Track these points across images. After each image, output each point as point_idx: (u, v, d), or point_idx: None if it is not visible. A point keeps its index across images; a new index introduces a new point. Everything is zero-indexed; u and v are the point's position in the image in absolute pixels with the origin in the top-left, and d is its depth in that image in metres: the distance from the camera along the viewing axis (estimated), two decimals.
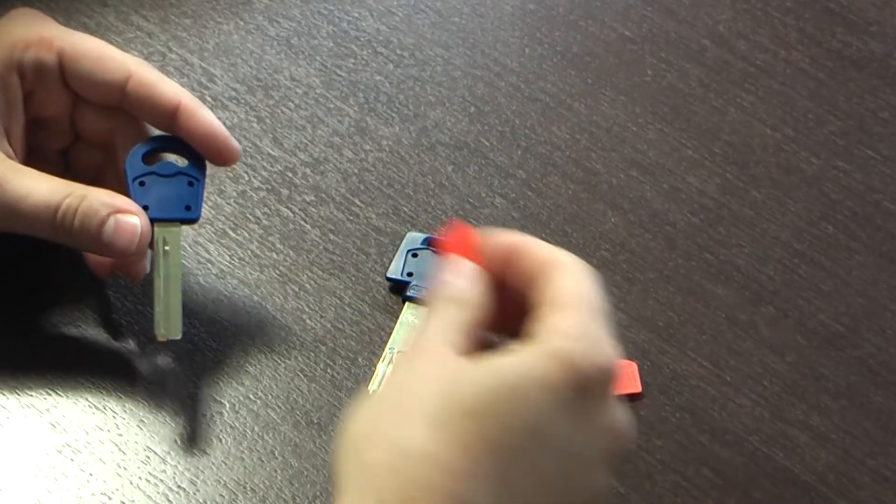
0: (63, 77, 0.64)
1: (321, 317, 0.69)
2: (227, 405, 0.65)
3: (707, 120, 0.80)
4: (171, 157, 0.66)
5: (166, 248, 0.63)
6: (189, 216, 0.64)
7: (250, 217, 0.73)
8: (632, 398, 0.67)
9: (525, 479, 0.48)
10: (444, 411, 0.48)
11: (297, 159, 0.76)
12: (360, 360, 0.68)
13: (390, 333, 0.68)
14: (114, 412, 0.65)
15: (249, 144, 0.76)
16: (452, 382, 0.49)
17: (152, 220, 0.63)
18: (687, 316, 0.71)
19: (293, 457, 0.64)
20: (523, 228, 0.73)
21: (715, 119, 0.80)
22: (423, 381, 0.50)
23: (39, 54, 0.64)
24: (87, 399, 0.65)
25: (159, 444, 0.64)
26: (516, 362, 0.49)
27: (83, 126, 0.67)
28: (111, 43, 0.71)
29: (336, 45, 0.82)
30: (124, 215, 0.62)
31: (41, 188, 0.62)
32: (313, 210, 0.74)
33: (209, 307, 0.69)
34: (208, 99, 0.77)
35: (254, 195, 0.74)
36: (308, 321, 0.69)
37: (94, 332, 0.67)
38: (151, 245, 0.64)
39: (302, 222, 0.73)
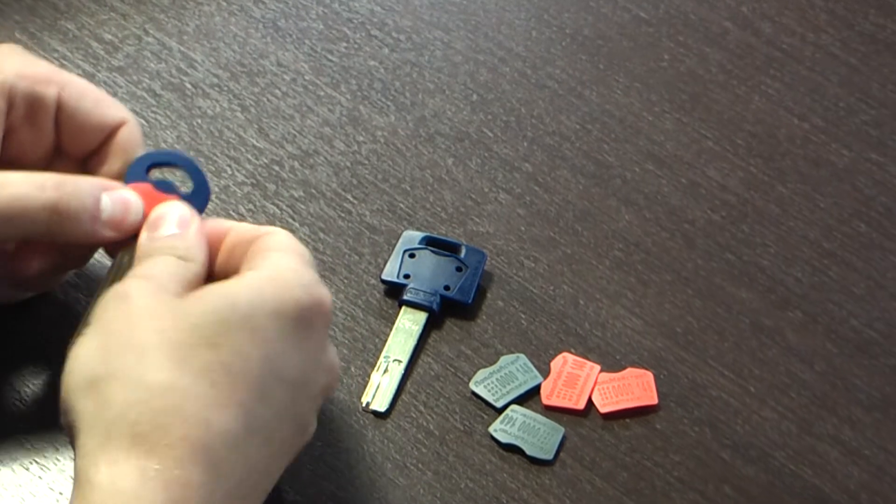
0: (56, 118, 0.64)
1: None
2: None
3: (729, 109, 0.80)
4: (177, 175, 0.64)
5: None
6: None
7: (234, 214, 0.73)
8: (647, 410, 0.67)
9: (265, 409, 0.54)
10: (182, 343, 0.54)
11: (284, 151, 0.76)
12: (352, 368, 0.68)
13: (385, 340, 0.68)
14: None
15: (233, 135, 0.76)
16: (185, 314, 0.55)
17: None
18: (707, 321, 0.71)
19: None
20: (530, 226, 0.73)
21: (737, 108, 0.80)
22: (151, 316, 0.55)
23: (37, 88, 0.63)
24: (56, 413, 0.65)
25: None
26: (246, 290, 0.56)
27: (69, 150, 0.65)
28: (83, 24, 0.71)
29: (327, 27, 0.82)
30: (114, 190, 0.62)
31: (28, 187, 0.60)
32: (302, 207, 0.74)
33: None
34: (188, 86, 0.77)
35: (237, 190, 0.74)
36: None
37: (63, 339, 0.67)
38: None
39: (290, 220, 0.73)
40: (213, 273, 0.60)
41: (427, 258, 0.70)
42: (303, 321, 0.56)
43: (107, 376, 0.53)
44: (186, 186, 0.63)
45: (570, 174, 0.76)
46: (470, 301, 0.69)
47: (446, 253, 0.71)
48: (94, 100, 0.64)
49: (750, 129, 0.79)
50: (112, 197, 0.61)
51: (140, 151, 0.64)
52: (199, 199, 0.62)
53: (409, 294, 0.69)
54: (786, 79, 0.81)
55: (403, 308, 0.69)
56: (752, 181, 0.77)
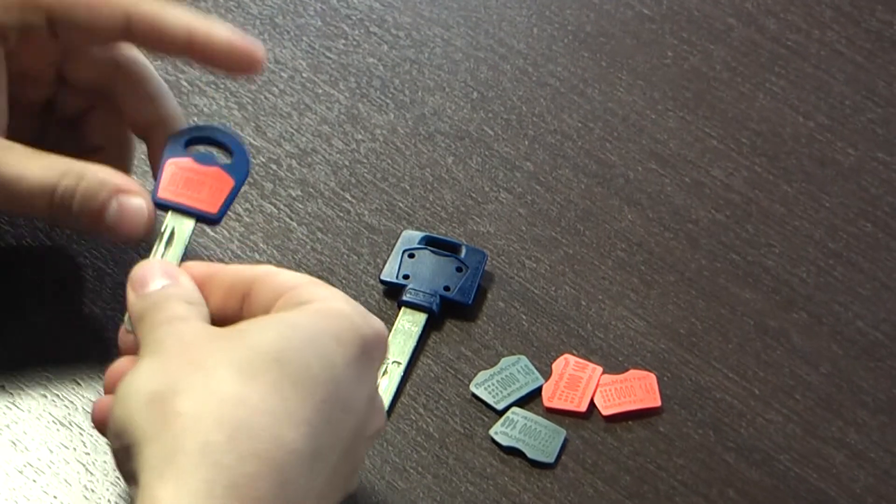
0: (53, 32, 0.63)
1: None
2: None
3: (733, 107, 0.80)
4: (213, 151, 0.65)
5: (171, 239, 0.62)
6: (208, 215, 0.63)
7: (230, 213, 0.73)
8: (650, 413, 0.67)
9: (330, 435, 0.53)
10: (247, 360, 0.52)
11: (281, 150, 0.76)
12: None
13: None
14: (81, 429, 0.65)
15: None
16: (241, 334, 0.53)
17: (165, 206, 0.62)
18: (711, 322, 0.71)
19: None
20: (531, 226, 0.73)
21: (742, 106, 0.80)
22: (210, 338, 0.54)
23: (24, 16, 0.62)
24: (51, 414, 0.65)
25: None
26: (304, 316, 0.54)
27: (73, 75, 0.66)
28: None
29: (325, 24, 0.82)
30: (127, 196, 0.61)
31: (33, 169, 0.61)
32: (300, 206, 0.74)
33: None
34: (184, 84, 0.77)
35: None
36: None
37: (57, 340, 0.67)
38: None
39: (287, 219, 0.73)
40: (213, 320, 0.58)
41: (427, 258, 0.70)
42: (365, 352, 0.55)
43: (172, 391, 0.52)
44: (227, 157, 0.64)
45: (572, 173, 0.76)
46: (470, 302, 0.69)
47: (446, 253, 0.71)
48: (86, 5, 0.62)
49: (754, 127, 0.79)
50: (121, 203, 0.61)
51: (163, 31, 0.63)
52: (239, 170, 0.64)
53: (408, 295, 0.69)
54: (791, 76, 0.81)
55: (403, 309, 0.69)
56: (757, 180, 0.77)
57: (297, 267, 0.71)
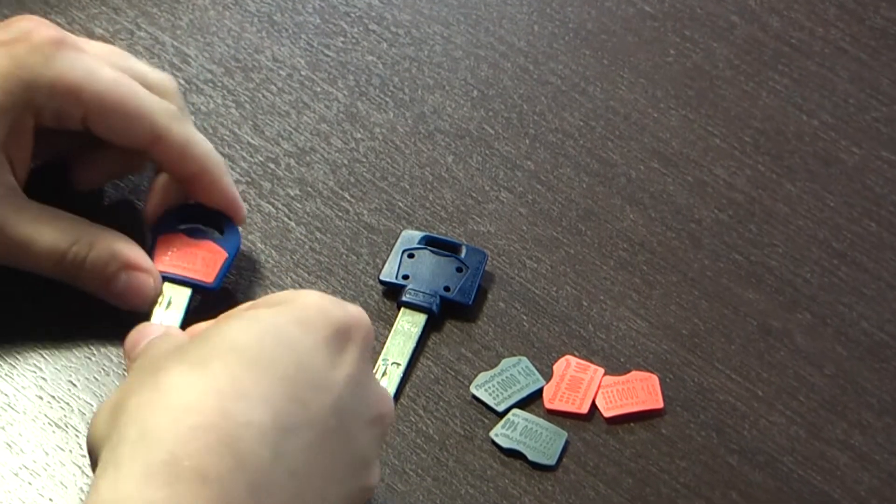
0: (84, 125, 0.66)
1: None
2: None
3: (736, 105, 0.80)
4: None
5: (170, 305, 0.66)
6: (205, 284, 0.67)
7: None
8: (653, 415, 0.67)
9: (295, 409, 0.53)
10: (205, 354, 0.53)
11: (280, 149, 0.76)
12: None
13: (384, 343, 0.68)
14: (77, 431, 0.65)
15: (227, 132, 0.76)
16: (206, 334, 0.55)
17: (162, 278, 0.67)
18: (714, 323, 0.71)
19: None
20: (532, 225, 0.73)
21: (745, 104, 0.80)
22: (168, 348, 0.55)
23: (64, 107, 0.65)
24: (46, 416, 0.65)
25: None
26: (271, 311, 0.55)
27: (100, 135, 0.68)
28: (74, 18, 0.70)
29: (323, 21, 0.82)
30: (136, 273, 0.65)
31: (46, 235, 0.64)
32: (298, 205, 0.74)
33: None
34: (181, 82, 0.77)
35: None
36: None
37: (53, 341, 0.67)
38: None
39: (285, 219, 0.73)
40: None
41: (426, 258, 0.70)
42: (337, 334, 0.56)
43: (127, 396, 0.53)
44: (217, 233, 0.69)
45: (574, 172, 0.76)
46: (471, 302, 0.69)
47: (446, 253, 0.71)
48: (122, 116, 0.66)
49: (758, 125, 0.79)
50: (129, 277, 0.65)
51: (182, 162, 0.67)
52: (231, 243, 0.68)
53: (408, 295, 0.69)
54: (794, 74, 0.81)
55: (402, 309, 0.69)
56: (760, 179, 0.77)
57: (296, 267, 0.71)
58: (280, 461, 0.51)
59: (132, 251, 0.66)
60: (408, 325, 0.68)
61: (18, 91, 0.64)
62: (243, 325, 0.55)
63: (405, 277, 0.70)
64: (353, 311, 0.57)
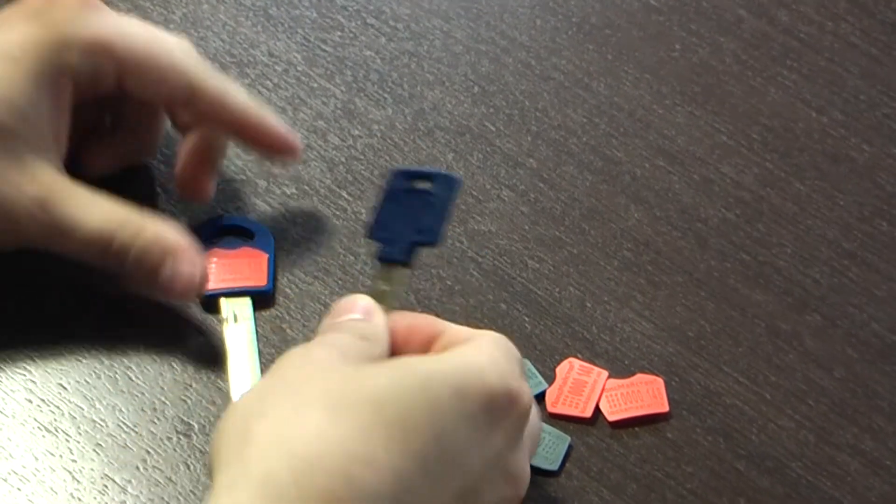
0: (119, 84, 0.66)
1: (303, 326, 0.69)
2: (196, 426, 0.65)
3: (744, 101, 0.80)
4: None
5: (237, 319, 0.67)
6: (259, 288, 0.68)
7: (221, 212, 0.73)
8: (658, 419, 0.67)
9: (424, 485, 0.51)
10: (345, 398, 0.52)
11: None
12: None
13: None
14: (67, 435, 0.65)
15: None
16: (357, 374, 0.53)
17: (217, 296, 0.68)
18: (721, 325, 0.71)
19: None
20: (534, 224, 0.73)
21: (753, 100, 0.80)
22: (322, 376, 0.53)
23: (98, 62, 0.65)
24: (36, 420, 0.65)
25: (118, 471, 0.64)
26: (431, 365, 0.54)
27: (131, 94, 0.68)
28: None
29: (320, 15, 0.81)
30: (182, 260, 0.64)
31: (93, 219, 0.64)
32: (294, 204, 0.73)
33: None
34: None
35: (226, 187, 0.74)
36: (288, 331, 0.69)
37: (43, 343, 0.67)
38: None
39: (281, 218, 0.73)
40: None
41: (401, 201, 0.65)
42: (490, 410, 0.54)
43: (259, 414, 0.52)
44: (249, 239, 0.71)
45: (577, 170, 0.76)
46: (436, 241, 0.63)
47: (419, 189, 0.65)
48: (156, 71, 0.66)
49: (766, 122, 0.79)
50: (175, 270, 0.64)
51: (222, 113, 0.67)
52: (266, 245, 0.70)
53: (381, 250, 0.64)
54: (803, 70, 0.81)
55: (381, 266, 0.64)
56: (768, 178, 0.77)
57: (292, 267, 0.71)
58: None
59: (177, 239, 0.65)
60: (382, 284, 0.63)
61: (54, 56, 0.64)
62: (395, 375, 0.53)
63: (376, 222, 0.64)
64: (515, 384, 0.55)
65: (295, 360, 0.56)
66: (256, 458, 0.50)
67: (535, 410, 0.58)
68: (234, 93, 0.68)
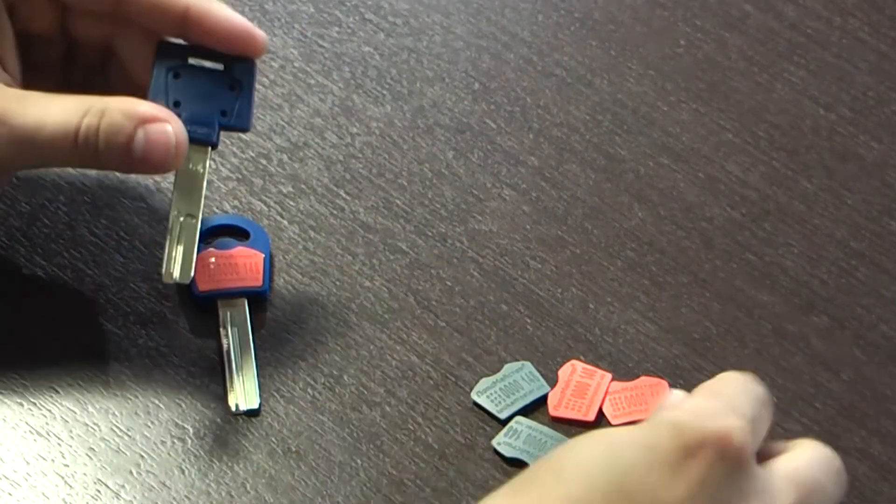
0: None
1: (300, 328, 0.69)
2: (191, 430, 0.65)
3: (750, 98, 0.80)
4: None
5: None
6: (255, 289, 0.68)
7: (218, 211, 0.73)
8: None
9: None
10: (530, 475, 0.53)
11: (272, 144, 0.76)
12: (345, 377, 0.67)
13: (380, 346, 0.68)
14: (59, 439, 0.65)
15: None
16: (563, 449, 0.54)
17: (212, 297, 0.67)
18: (726, 327, 0.71)
19: (267, 491, 0.64)
20: (535, 224, 0.73)
21: (759, 97, 0.80)
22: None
23: None
24: (27, 423, 0.65)
25: (111, 475, 0.64)
26: (629, 429, 0.54)
27: (76, 35, 0.67)
28: None
29: (318, 10, 0.81)
30: (153, 124, 0.61)
31: (53, 114, 0.61)
32: (291, 203, 0.73)
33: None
34: None
35: (222, 186, 0.74)
36: (285, 333, 0.69)
37: (34, 345, 0.67)
38: None
39: (278, 217, 0.73)
40: None
41: (195, 77, 0.65)
42: (682, 453, 0.52)
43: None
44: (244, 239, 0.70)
45: (579, 168, 0.76)
46: (249, 127, 0.65)
47: (214, 67, 0.65)
48: None
49: (772, 120, 0.79)
50: (147, 132, 0.61)
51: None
52: (262, 244, 0.70)
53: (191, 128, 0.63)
54: (811, 66, 0.81)
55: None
56: (775, 176, 0.77)
57: (288, 268, 0.71)
58: None
59: (145, 106, 0.62)
60: (190, 165, 0.63)
61: None
62: (581, 442, 0.54)
63: (176, 104, 0.65)
64: (713, 429, 0.53)
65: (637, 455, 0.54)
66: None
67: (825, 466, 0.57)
68: None
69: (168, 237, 0.64)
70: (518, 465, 0.65)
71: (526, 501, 0.52)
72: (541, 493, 0.52)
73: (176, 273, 0.64)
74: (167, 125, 0.62)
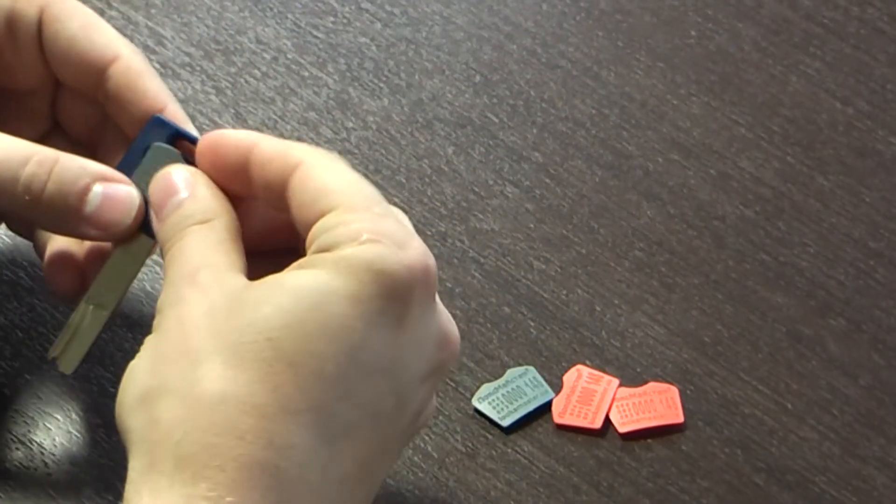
0: (39, 42, 0.63)
1: None
2: None
3: (763, 91, 0.80)
4: None
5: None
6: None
7: None
8: (672, 430, 0.67)
9: (347, 409, 0.51)
10: (237, 343, 0.50)
11: None
12: None
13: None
14: (41, 447, 0.65)
15: (206, 121, 0.76)
16: (241, 307, 0.51)
17: None
18: (739, 330, 0.71)
19: None
20: (539, 223, 0.73)
21: (773, 90, 0.80)
22: (205, 311, 0.52)
23: (17, 4, 0.62)
24: (10, 431, 0.65)
25: (95, 482, 0.64)
26: (312, 276, 0.51)
27: (62, 112, 0.65)
28: None
29: (312, 0, 0.82)
30: (114, 183, 0.59)
31: (5, 143, 0.58)
32: None
33: None
34: (157, 66, 0.77)
35: None
36: None
37: (17, 351, 0.67)
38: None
39: None
40: (258, 199, 0.57)
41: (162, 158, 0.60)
42: (396, 297, 0.52)
43: (158, 390, 0.51)
44: None
45: (585, 165, 0.76)
46: None
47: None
48: (82, 24, 0.63)
49: (787, 114, 0.79)
50: (107, 191, 0.58)
51: (139, 91, 0.62)
52: None
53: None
54: (827, 58, 0.81)
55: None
56: (790, 172, 0.77)
57: None
58: (329, 474, 0.51)
59: (106, 168, 0.59)
60: (129, 254, 0.59)
61: None
62: (283, 302, 0.51)
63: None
64: (411, 260, 0.52)
65: (170, 315, 0.53)
66: (164, 442, 0.50)
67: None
68: (157, 79, 0.63)
69: (70, 319, 0.60)
70: (519, 472, 0.65)
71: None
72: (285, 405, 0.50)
73: (60, 362, 0.60)
74: (131, 187, 0.59)
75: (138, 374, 0.52)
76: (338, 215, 0.53)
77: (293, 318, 0.51)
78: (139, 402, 0.51)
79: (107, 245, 0.61)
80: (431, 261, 0.53)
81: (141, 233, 0.59)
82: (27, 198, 0.58)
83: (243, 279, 0.53)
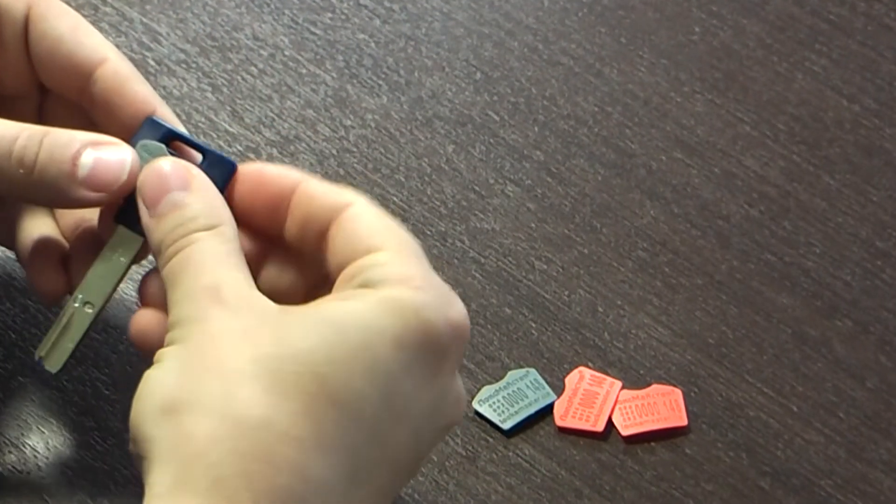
0: (25, 41, 0.63)
1: None
2: None
3: (768, 89, 0.80)
4: None
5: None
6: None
7: None
8: (676, 433, 0.67)
9: (375, 453, 0.51)
10: (279, 371, 0.51)
11: (261, 137, 0.76)
12: None
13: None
14: (35, 450, 0.65)
15: (203, 119, 0.76)
16: (284, 336, 0.52)
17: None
18: (744, 331, 0.71)
19: None
20: (541, 222, 0.73)
21: (778, 88, 0.80)
22: (240, 333, 0.52)
23: (3, 0, 0.62)
24: (2, 434, 0.65)
25: (90, 486, 0.64)
26: (357, 311, 0.52)
27: (49, 120, 0.64)
28: None
29: None
30: (107, 146, 0.58)
31: None
32: None
33: None
34: (151, 63, 0.77)
35: None
36: None
37: (10, 353, 0.67)
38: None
39: None
40: (282, 240, 0.57)
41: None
42: (436, 351, 0.53)
43: (188, 403, 0.51)
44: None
45: (588, 163, 0.76)
46: None
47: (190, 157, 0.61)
48: (71, 25, 0.62)
49: (792, 111, 0.79)
50: (97, 153, 0.58)
51: (126, 95, 0.61)
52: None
53: (126, 213, 0.59)
54: (833, 54, 0.81)
55: (118, 228, 0.59)
56: (795, 171, 0.77)
57: None
58: None
59: (98, 134, 0.59)
60: (118, 252, 0.59)
61: None
62: (329, 336, 0.52)
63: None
64: (455, 321, 0.53)
65: (194, 323, 0.53)
66: (199, 459, 0.50)
67: None
68: (144, 84, 0.63)
69: (57, 318, 0.60)
70: (521, 477, 0.65)
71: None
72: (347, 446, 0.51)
73: (46, 361, 0.60)
74: (123, 146, 0.59)
75: (162, 385, 0.52)
76: (389, 255, 0.54)
77: (340, 354, 0.51)
78: (163, 413, 0.51)
79: (93, 243, 0.61)
80: (467, 325, 0.54)
81: (129, 230, 0.58)
82: (21, 171, 0.58)
83: (270, 301, 0.53)
